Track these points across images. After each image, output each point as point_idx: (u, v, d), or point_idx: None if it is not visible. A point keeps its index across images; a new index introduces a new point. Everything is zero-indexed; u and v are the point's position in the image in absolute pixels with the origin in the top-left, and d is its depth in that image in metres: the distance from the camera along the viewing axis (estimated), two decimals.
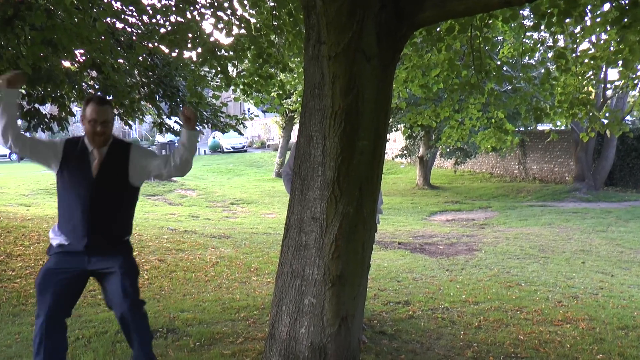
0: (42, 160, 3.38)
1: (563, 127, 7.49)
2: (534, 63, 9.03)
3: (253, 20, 6.30)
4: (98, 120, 3.26)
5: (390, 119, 20.94)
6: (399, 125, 20.97)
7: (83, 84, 8.09)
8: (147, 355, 3.46)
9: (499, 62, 6.49)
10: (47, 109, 8.67)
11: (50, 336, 3.26)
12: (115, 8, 6.46)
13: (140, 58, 7.55)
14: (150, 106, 9.17)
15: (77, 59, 7.26)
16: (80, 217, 3.29)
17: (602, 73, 15.92)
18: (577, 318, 5.53)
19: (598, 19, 5.45)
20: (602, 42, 6.10)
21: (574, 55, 6.07)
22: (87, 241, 3.30)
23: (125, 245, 3.49)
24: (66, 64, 7.45)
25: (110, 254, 3.36)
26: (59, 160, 3.32)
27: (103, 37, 5.73)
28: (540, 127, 20.66)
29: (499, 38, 8.54)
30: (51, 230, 3.46)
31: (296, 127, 32.16)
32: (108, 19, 6.57)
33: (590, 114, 6.53)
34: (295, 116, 22.54)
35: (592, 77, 6.57)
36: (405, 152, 24.25)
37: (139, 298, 3.41)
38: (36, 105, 7.54)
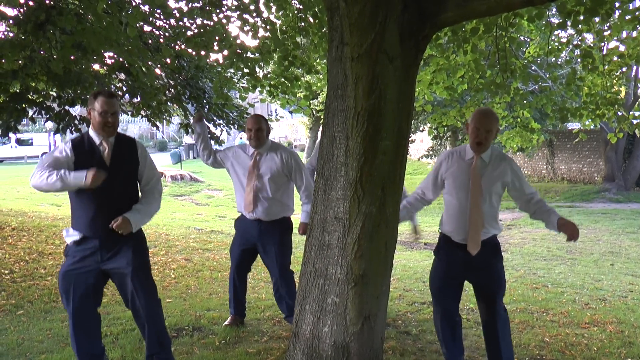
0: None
1: (592, 127, 7.39)
2: (560, 62, 8.92)
3: (279, 22, 6.35)
4: (109, 111, 3.46)
5: (415, 120, 20.91)
6: (423, 126, 20.87)
7: (111, 86, 8.25)
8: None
9: (525, 62, 6.43)
10: (77, 110, 8.86)
11: (80, 329, 3.57)
12: (143, 11, 6.57)
13: (167, 60, 7.66)
14: (177, 108, 9.30)
15: (105, 62, 7.40)
16: (98, 206, 3.47)
17: (633, 71, 15.64)
18: (604, 321, 5.45)
19: (627, 17, 5.37)
20: (631, 40, 6.01)
21: (602, 54, 5.99)
22: (108, 228, 3.45)
23: (138, 234, 3.64)
24: (95, 66, 7.60)
25: (124, 244, 3.53)
26: (73, 161, 3.48)
27: (131, 40, 5.84)
28: (569, 127, 20.37)
29: (523, 38, 8.43)
30: (64, 231, 3.62)
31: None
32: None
33: (619, 113, 6.43)
34: (322, 116, 22.52)
35: (621, 75, 6.47)
36: (431, 152, 24.12)
37: (151, 293, 3.66)
38: (66, 107, 7.71)
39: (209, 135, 8.81)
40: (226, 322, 4.89)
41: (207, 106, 8.72)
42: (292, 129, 44.94)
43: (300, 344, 3.28)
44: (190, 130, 9.23)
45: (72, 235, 3.55)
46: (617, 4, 5.12)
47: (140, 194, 3.72)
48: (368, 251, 3.10)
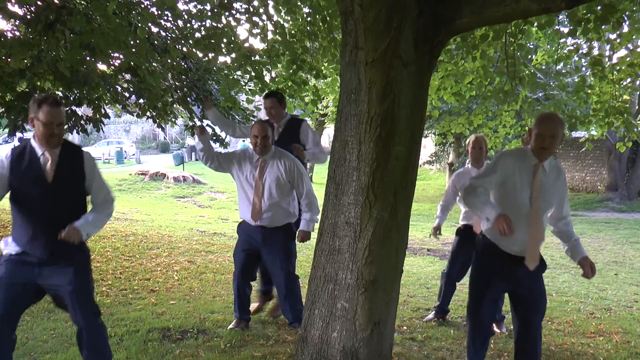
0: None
1: (599, 136, 7.33)
2: (568, 70, 8.92)
3: (287, 25, 6.34)
4: (54, 122, 3.16)
5: None
6: (427, 132, 20.90)
7: (117, 86, 8.25)
8: None
9: (532, 70, 6.43)
10: (81, 110, 8.85)
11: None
12: (152, 12, 6.57)
13: (174, 62, 7.65)
14: (182, 109, 9.28)
15: (112, 63, 7.40)
16: (40, 222, 3.21)
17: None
18: (610, 331, 5.43)
19: (637, 25, 5.37)
20: None
21: (610, 62, 5.99)
22: (49, 247, 3.22)
23: (81, 251, 3.39)
24: (102, 67, 7.60)
25: (66, 261, 3.27)
26: (7, 174, 3.19)
27: (139, 41, 5.83)
28: (573, 135, 20.36)
29: (531, 45, 8.45)
30: (3, 241, 3.36)
31: (326, 131, 32.25)
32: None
33: (628, 122, 6.42)
34: (326, 120, 22.60)
35: (630, 84, 6.45)
36: (434, 158, 24.12)
37: (92, 316, 3.38)
38: (73, 107, 7.70)
39: (214, 138, 8.83)
40: (231, 325, 4.88)
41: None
42: None
43: (308, 349, 3.26)
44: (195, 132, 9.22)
45: (9, 247, 3.28)
46: (626, 14, 5.12)
47: (88, 206, 3.45)
48: (379, 257, 3.09)
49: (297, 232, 4.80)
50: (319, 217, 4.05)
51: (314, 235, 3.75)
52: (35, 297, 3.40)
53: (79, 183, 3.33)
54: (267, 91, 6.35)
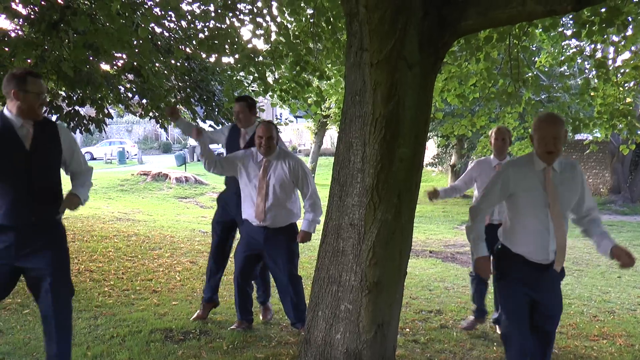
0: None
1: (603, 138, 7.27)
2: (571, 72, 8.92)
3: (291, 27, 6.34)
4: (44, 92, 3.25)
5: None
6: (430, 134, 20.91)
7: (120, 87, 8.26)
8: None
9: (536, 72, 6.43)
10: (83, 110, 8.87)
11: None
12: (155, 12, 6.58)
13: (177, 63, 7.67)
14: (185, 110, 9.29)
15: (116, 63, 7.40)
16: (17, 193, 3.22)
17: None
18: (614, 334, 5.41)
19: None
20: None
21: (614, 65, 5.98)
22: (31, 215, 3.25)
23: (58, 231, 3.45)
24: (105, 67, 7.60)
25: (43, 240, 3.31)
26: None
27: (142, 42, 5.84)
28: (576, 137, 20.36)
29: (534, 47, 8.45)
30: None
31: (328, 133, 32.22)
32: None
33: (631, 125, 6.41)
34: (328, 122, 22.61)
35: (634, 87, 6.45)
36: (436, 160, 24.11)
37: (67, 296, 3.44)
38: (76, 107, 7.71)
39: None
40: (233, 326, 4.87)
41: (216, 109, 8.71)
42: (296, 133, 44.95)
43: (311, 350, 3.26)
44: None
45: None
46: (630, 18, 5.12)
47: (71, 175, 3.53)
48: (383, 259, 3.08)
49: (299, 232, 4.78)
50: (321, 218, 4.02)
51: (317, 236, 3.74)
52: (12, 279, 3.42)
53: (57, 153, 3.39)
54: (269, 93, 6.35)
